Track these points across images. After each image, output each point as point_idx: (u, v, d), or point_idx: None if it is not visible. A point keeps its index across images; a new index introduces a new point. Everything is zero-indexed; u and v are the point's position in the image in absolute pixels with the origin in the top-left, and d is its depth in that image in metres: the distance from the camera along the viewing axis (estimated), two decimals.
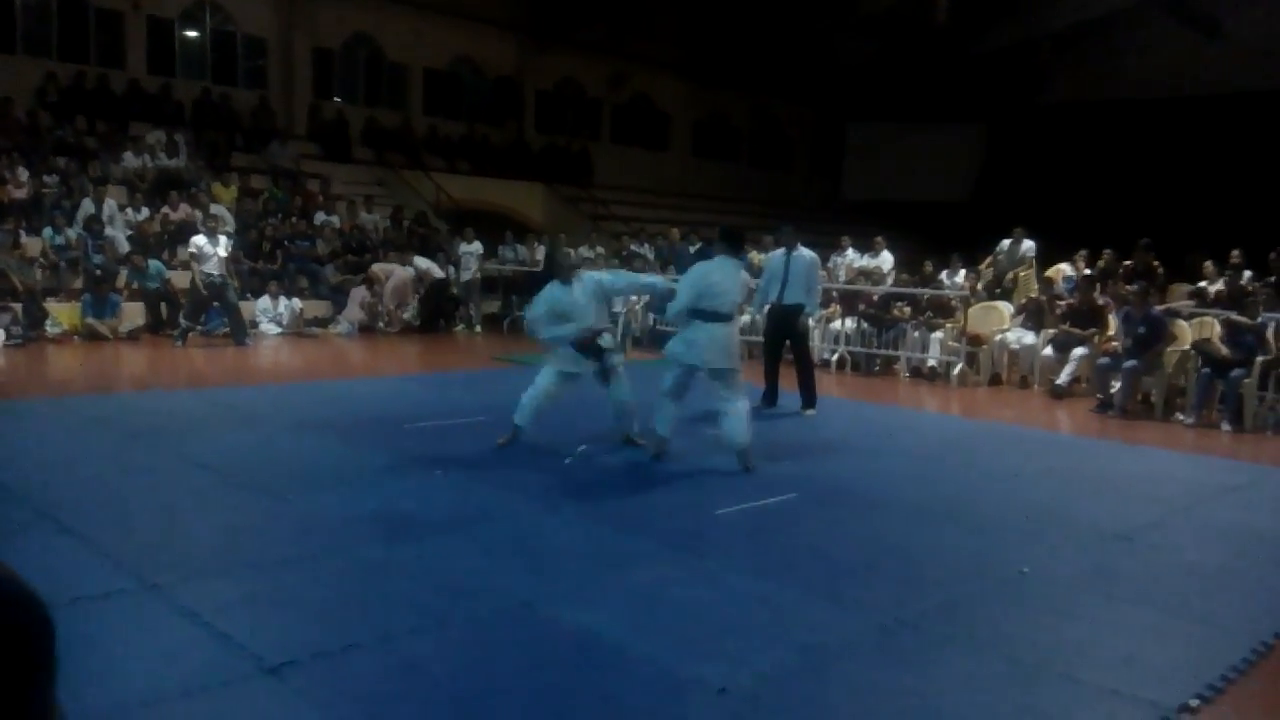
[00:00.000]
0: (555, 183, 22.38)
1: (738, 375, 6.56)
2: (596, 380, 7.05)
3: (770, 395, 9.14)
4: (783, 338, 9.23)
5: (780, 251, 9.18)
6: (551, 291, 6.99)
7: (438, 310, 15.49)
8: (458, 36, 22.24)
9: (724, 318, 6.47)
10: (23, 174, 14.18)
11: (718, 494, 5.76)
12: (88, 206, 13.80)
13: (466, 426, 7.56)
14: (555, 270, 7.21)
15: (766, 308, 9.43)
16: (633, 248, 16.94)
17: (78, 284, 13.02)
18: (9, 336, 11.34)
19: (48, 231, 13.27)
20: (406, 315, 14.94)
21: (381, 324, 14.72)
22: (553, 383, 6.93)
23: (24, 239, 13.07)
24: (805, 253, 9.10)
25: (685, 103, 27.11)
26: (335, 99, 20.83)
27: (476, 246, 16.29)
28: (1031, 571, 4.59)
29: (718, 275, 6.52)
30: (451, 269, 16.30)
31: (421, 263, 15.31)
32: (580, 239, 18.07)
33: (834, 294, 13.38)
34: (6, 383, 9.49)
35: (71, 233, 13.46)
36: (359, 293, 14.78)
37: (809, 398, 8.96)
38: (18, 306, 11.83)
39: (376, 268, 14.97)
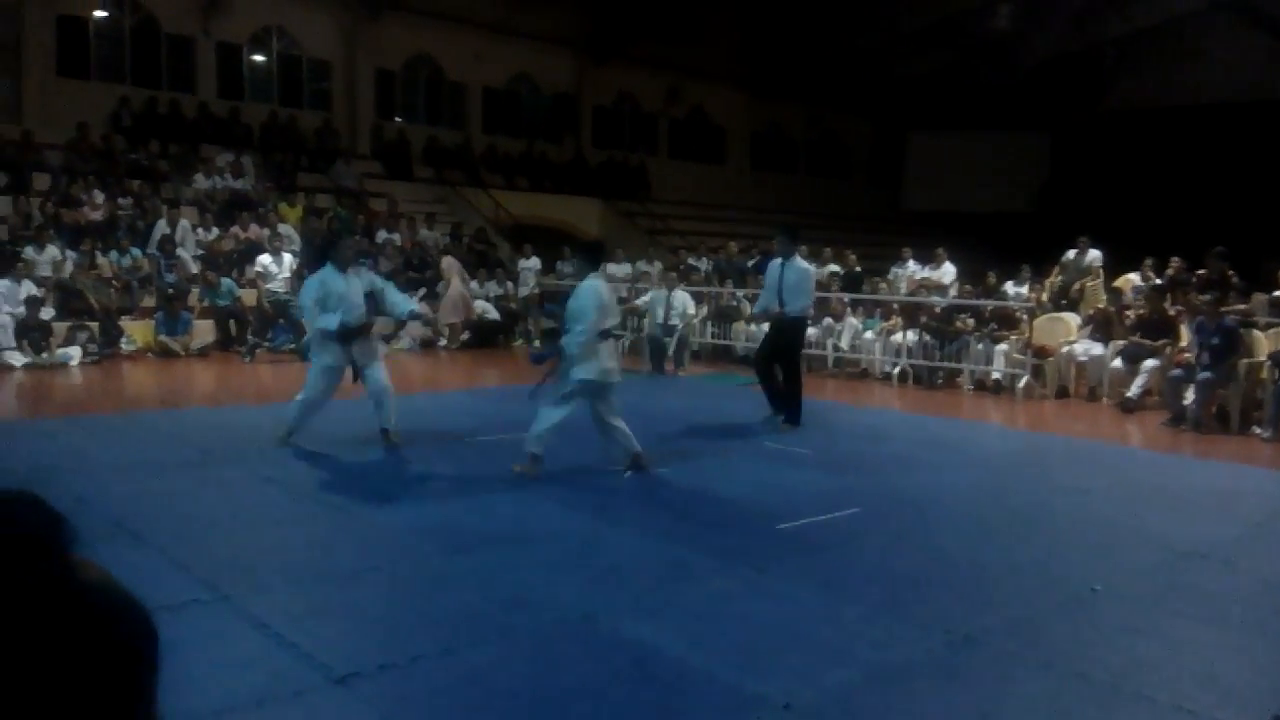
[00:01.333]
0: (613, 198, 22.50)
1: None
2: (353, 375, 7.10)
3: (775, 404, 8.67)
4: (775, 347, 8.87)
5: (777, 261, 8.88)
6: (325, 275, 7.01)
7: (488, 337, 15.58)
8: (516, 54, 22.52)
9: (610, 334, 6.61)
10: (98, 197, 14.66)
11: (779, 509, 5.71)
12: (161, 227, 14.21)
13: (524, 441, 7.60)
14: (334, 254, 7.17)
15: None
16: (690, 261, 16.94)
17: (150, 303, 13.40)
18: (86, 354, 11.71)
19: (113, 254, 13.69)
20: (464, 336, 15.09)
21: (442, 339, 14.90)
22: (320, 381, 6.98)
23: (99, 259, 13.50)
24: (799, 263, 8.76)
25: (742, 115, 27.10)
26: (397, 119, 21.21)
27: (535, 262, 16.43)
28: (1103, 589, 4.48)
29: (608, 294, 6.64)
30: (510, 285, 16.47)
31: (479, 305, 15.47)
32: (638, 253, 18.13)
33: (895, 306, 13.24)
34: (84, 398, 9.81)
35: (138, 252, 13.86)
36: (421, 309, 14.97)
37: (794, 414, 8.52)
38: (94, 325, 12.22)
39: (447, 261, 15.13)
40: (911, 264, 15.00)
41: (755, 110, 27.10)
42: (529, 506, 5.70)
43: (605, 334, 6.49)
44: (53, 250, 13.07)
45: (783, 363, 8.79)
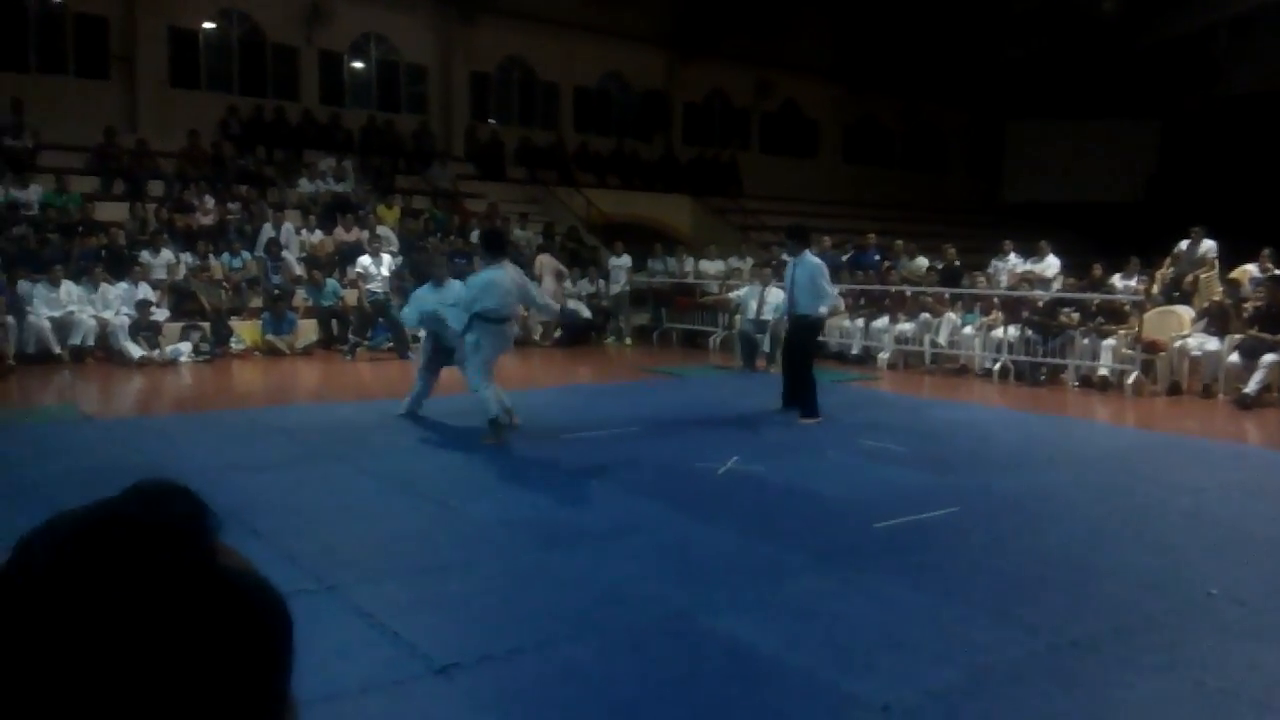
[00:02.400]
0: (704, 194, 22.45)
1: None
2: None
3: (787, 397, 8.86)
4: (790, 345, 9.10)
5: (791, 262, 8.96)
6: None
7: (581, 335, 15.70)
8: (606, 53, 22.65)
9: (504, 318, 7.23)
10: (209, 202, 15.28)
11: (875, 507, 5.62)
12: (267, 230, 14.74)
13: (618, 437, 7.66)
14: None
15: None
16: (784, 257, 16.78)
17: (258, 303, 13.91)
18: (198, 353, 12.22)
19: (224, 256, 14.24)
20: (557, 334, 15.24)
21: (536, 337, 15.08)
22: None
23: (211, 262, 14.07)
24: (809, 259, 8.75)
25: (834, 108, 26.73)
26: (490, 120, 21.56)
27: (626, 260, 16.51)
28: (1220, 593, 4.28)
29: (505, 282, 7.20)
30: (602, 282, 16.58)
31: (571, 304, 15.62)
32: (730, 250, 18.05)
33: (995, 300, 12.89)
34: (197, 395, 10.23)
35: (247, 255, 14.40)
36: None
37: (809, 408, 8.52)
38: (206, 325, 12.74)
39: (542, 259, 15.30)
40: (1013, 257, 14.57)
41: (848, 103, 26.70)
42: (624, 502, 5.73)
43: (501, 318, 7.21)
44: (167, 254, 13.68)
45: (795, 360, 8.91)
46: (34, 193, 14.04)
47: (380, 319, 13.47)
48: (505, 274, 7.25)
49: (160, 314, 12.45)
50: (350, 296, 14.13)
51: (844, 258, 15.93)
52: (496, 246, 7.53)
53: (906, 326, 13.26)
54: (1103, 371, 11.27)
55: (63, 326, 12.07)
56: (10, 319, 11.47)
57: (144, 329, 12.09)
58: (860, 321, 13.82)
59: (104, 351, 12.18)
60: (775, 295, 13.11)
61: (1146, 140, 25.87)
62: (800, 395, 8.61)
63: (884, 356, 13.24)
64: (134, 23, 17.31)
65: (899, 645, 3.68)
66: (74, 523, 0.58)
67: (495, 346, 7.34)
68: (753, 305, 12.97)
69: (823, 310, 8.97)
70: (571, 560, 4.65)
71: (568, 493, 5.93)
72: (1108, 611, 4.09)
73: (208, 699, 0.55)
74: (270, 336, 13.13)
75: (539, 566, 4.59)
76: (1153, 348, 10.99)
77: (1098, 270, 13.05)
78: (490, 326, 7.20)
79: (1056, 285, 13.23)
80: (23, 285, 12.05)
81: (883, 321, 13.53)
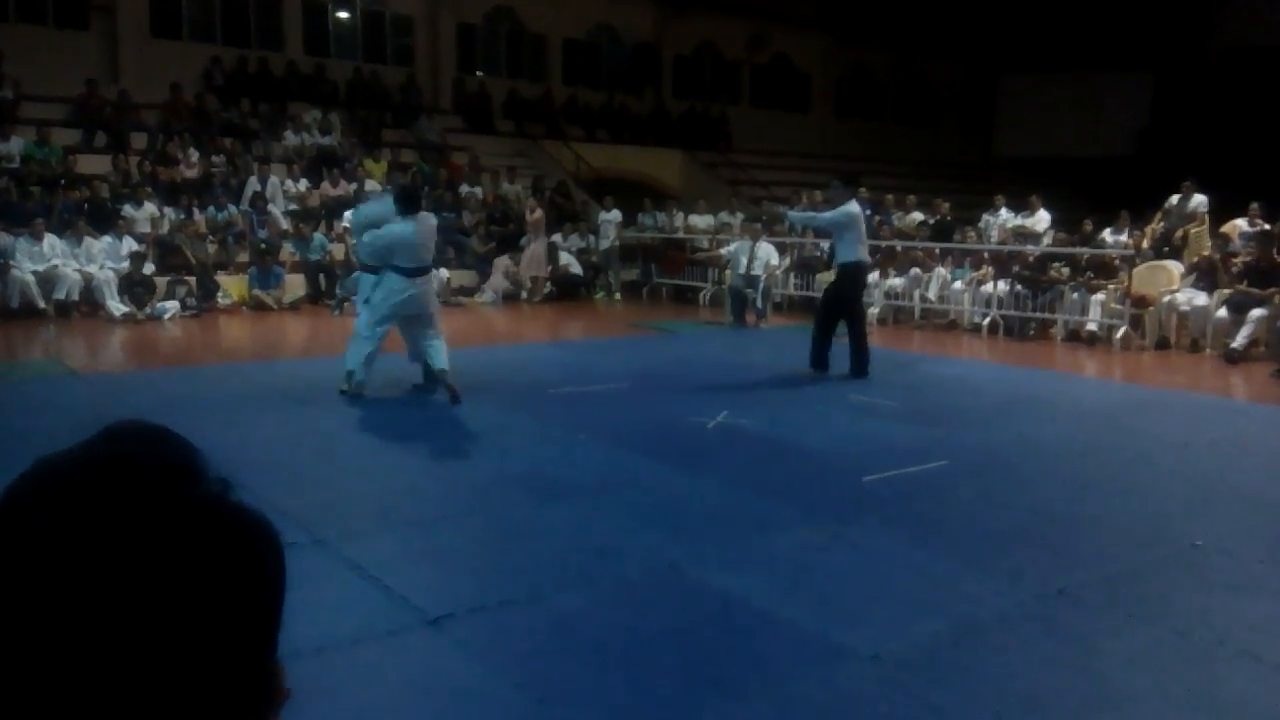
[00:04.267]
0: (694, 149, 22.25)
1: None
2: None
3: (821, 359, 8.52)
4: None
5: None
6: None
7: (570, 290, 15.63)
8: (596, 5, 22.30)
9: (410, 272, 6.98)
10: (193, 155, 15.07)
11: (864, 461, 5.64)
12: (252, 184, 14.56)
13: (608, 392, 7.65)
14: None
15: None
16: (780, 208, 16.69)
17: (244, 258, 13.78)
18: (185, 308, 12.13)
19: (210, 210, 14.07)
20: (546, 290, 15.17)
21: (524, 293, 15.02)
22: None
23: (196, 216, 13.90)
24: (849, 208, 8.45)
25: (826, 61, 26.43)
26: (478, 72, 21.25)
27: (615, 214, 16.40)
28: (1205, 544, 4.32)
29: (414, 237, 6.97)
30: (591, 238, 16.48)
31: (564, 257, 15.53)
32: (720, 205, 17.94)
33: (985, 255, 12.87)
34: (184, 350, 10.17)
35: (233, 208, 14.24)
36: (503, 262, 15.13)
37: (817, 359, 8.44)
38: (192, 280, 12.63)
39: (533, 219, 15.24)
40: (1004, 212, 14.53)
41: (840, 56, 26.40)
42: (613, 457, 5.74)
43: (407, 271, 6.98)
44: (150, 207, 13.51)
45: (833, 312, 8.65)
46: (15, 145, 13.82)
47: None
48: (415, 228, 7.03)
49: (147, 268, 12.32)
50: (337, 251, 14.01)
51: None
52: (411, 201, 7.29)
53: (896, 281, 13.24)
54: (1091, 326, 11.30)
55: (47, 281, 11.94)
56: None
57: (136, 284, 11.98)
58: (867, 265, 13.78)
59: (88, 306, 12.08)
60: (765, 250, 13.07)
61: (1139, 94, 25.68)
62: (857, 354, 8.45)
63: (873, 311, 13.20)
64: None
65: (887, 597, 3.71)
66: (62, 468, 0.57)
67: (389, 302, 7.03)
68: (743, 260, 12.92)
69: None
70: (561, 514, 4.66)
71: (557, 447, 5.93)
72: (1094, 563, 4.13)
73: (208, 630, 0.55)
74: (257, 291, 13.03)
75: (529, 520, 4.59)
76: (1141, 302, 11.02)
77: (1088, 225, 13.03)
78: (394, 278, 6.99)
79: (1047, 240, 13.21)
80: (4, 239, 11.90)
81: (873, 276, 13.49)
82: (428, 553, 4.15)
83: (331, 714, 2.66)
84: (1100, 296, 11.23)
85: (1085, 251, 12.02)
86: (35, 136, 14.12)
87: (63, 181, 13.53)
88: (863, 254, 8.57)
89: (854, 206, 8.44)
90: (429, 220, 7.30)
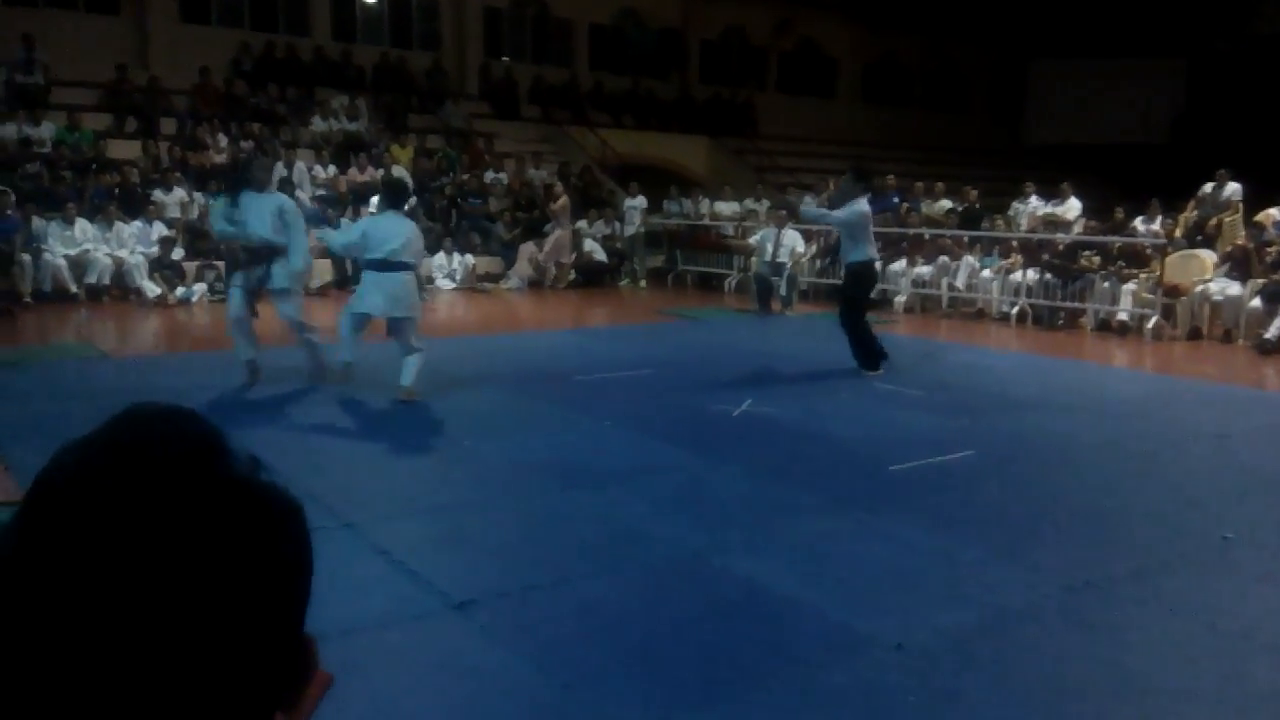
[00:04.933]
0: (720, 135, 22.15)
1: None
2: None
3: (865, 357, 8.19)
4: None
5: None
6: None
7: (595, 277, 15.62)
8: None
9: (392, 267, 6.67)
10: (222, 140, 15.17)
11: (890, 450, 5.61)
12: (280, 170, 14.63)
13: (633, 379, 7.65)
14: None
15: None
16: (808, 198, 16.60)
17: None
18: (212, 293, 12.23)
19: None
20: (571, 276, 15.18)
21: (548, 281, 15.03)
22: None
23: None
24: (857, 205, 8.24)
25: (854, 47, 26.20)
26: (504, 58, 21.24)
27: (641, 201, 16.36)
28: (1236, 537, 4.27)
29: (372, 230, 6.79)
30: (617, 224, 16.46)
31: (588, 244, 15.52)
32: (745, 191, 17.86)
33: (1014, 243, 12.74)
34: (213, 334, 10.25)
35: None
36: (528, 249, 15.15)
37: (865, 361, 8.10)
38: (220, 265, 12.71)
39: (557, 206, 15.24)
40: (1034, 199, 14.37)
41: (868, 41, 26.16)
42: (638, 444, 5.74)
43: (369, 264, 6.78)
44: (180, 192, 13.62)
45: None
46: (46, 130, 13.96)
47: None
48: (387, 222, 6.90)
49: (176, 253, 12.43)
50: None
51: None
52: (396, 195, 7.25)
53: (924, 270, 13.14)
54: (1122, 316, 11.16)
55: (78, 265, 12.08)
56: (26, 257, 11.48)
57: (166, 266, 12.10)
58: (877, 264, 13.68)
59: (119, 290, 12.21)
60: (791, 238, 13.01)
61: (1173, 80, 25.30)
62: (861, 350, 8.14)
63: (901, 300, 13.14)
64: None
65: (913, 586, 3.69)
66: (91, 453, 0.57)
67: (362, 298, 6.89)
68: (768, 248, 12.86)
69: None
70: (586, 500, 4.67)
71: (582, 434, 5.94)
72: (1123, 554, 4.09)
73: (244, 604, 0.56)
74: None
75: (554, 506, 4.61)
76: (1174, 292, 10.88)
77: (1119, 213, 12.87)
78: (372, 274, 6.83)
79: (1077, 228, 13.06)
80: (37, 223, 12.04)
81: (900, 264, 13.41)
82: (453, 538, 4.17)
83: (359, 695, 2.68)
84: (1131, 286, 11.10)
85: (1117, 240, 11.87)
86: (66, 122, 14.26)
87: (94, 166, 13.67)
88: (871, 253, 8.40)
89: (864, 205, 8.24)
90: (404, 219, 7.02)
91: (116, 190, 13.28)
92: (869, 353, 8.07)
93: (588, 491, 4.80)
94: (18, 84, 14.61)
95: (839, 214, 8.35)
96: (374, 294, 6.72)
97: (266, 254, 7.10)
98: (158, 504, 0.54)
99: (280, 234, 7.07)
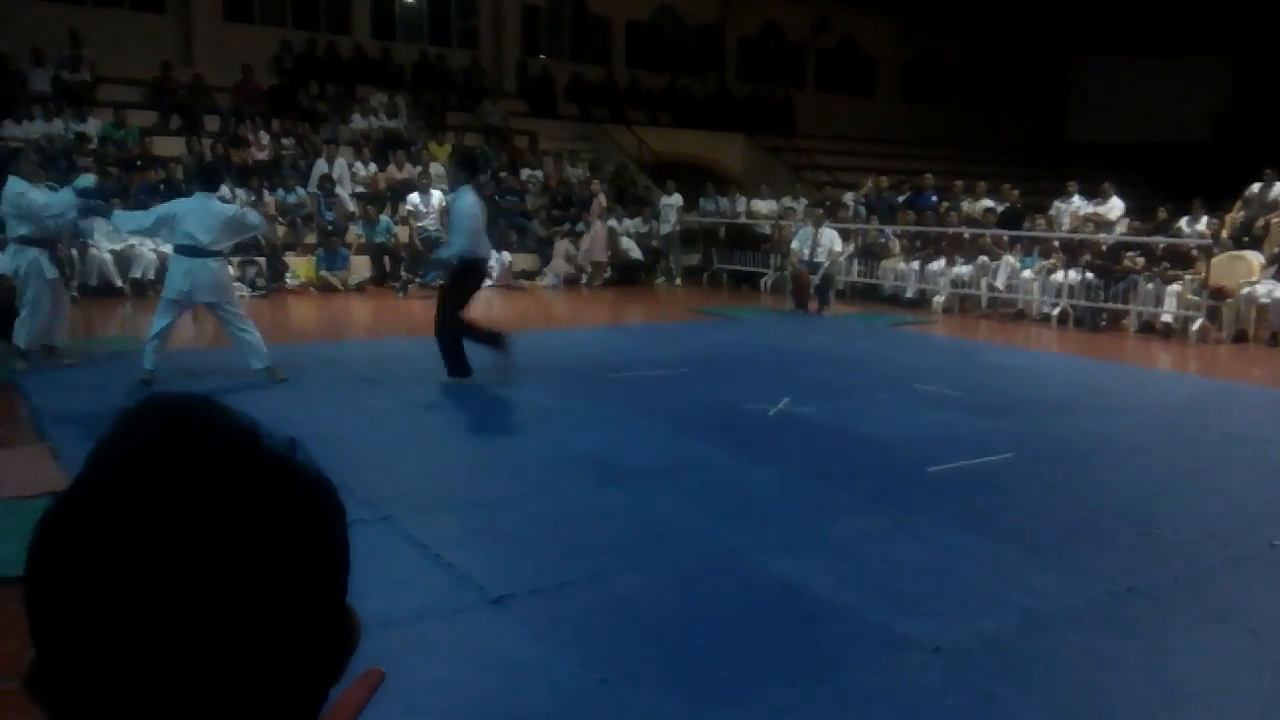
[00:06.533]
0: (757, 133, 22.07)
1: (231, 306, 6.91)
2: None
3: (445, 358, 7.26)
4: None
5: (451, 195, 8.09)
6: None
7: (631, 275, 15.64)
8: None
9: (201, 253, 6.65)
10: (264, 137, 15.35)
11: (928, 451, 5.56)
12: (320, 167, 14.79)
13: (668, 377, 7.65)
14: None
15: None
16: (845, 199, 16.51)
17: (312, 239, 14.02)
18: (254, 288, 12.39)
19: (279, 191, 14.34)
20: (607, 274, 15.20)
21: (584, 279, 15.06)
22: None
23: (266, 197, 14.18)
24: (465, 197, 7.26)
25: (893, 44, 25.99)
26: (541, 55, 21.30)
27: (677, 199, 16.34)
28: None
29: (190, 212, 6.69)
30: (653, 222, 16.46)
31: (624, 242, 15.53)
32: (782, 190, 17.78)
33: (1055, 244, 12.58)
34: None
35: (301, 190, 14.50)
36: (564, 246, 15.19)
37: (459, 365, 7.16)
38: (262, 260, 12.89)
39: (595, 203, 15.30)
40: (1076, 199, 14.18)
41: (908, 38, 25.93)
42: (674, 441, 5.73)
43: (189, 252, 6.72)
44: (222, 189, 13.79)
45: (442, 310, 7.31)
46: (93, 126, 14.21)
47: (432, 255, 13.55)
48: (197, 205, 6.84)
49: None
50: (402, 233, 14.19)
51: (900, 198, 15.64)
52: (208, 177, 7.27)
53: (963, 269, 13.01)
54: (1166, 318, 10.99)
55: (124, 260, 12.29)
56: (73, 252, 11.69)
57: None
58: (915, 264, 13.58)
59: (163, 285, 12.38)
60: (829, 236, 12.93)
61: (1218, 78, 24.83)
62: (451, 355, 7.17)
63: (939, 300, 13.03)
64: None
65: (951, 588, 3.66)
66: (130, 446, 0.57)
67: (172, 283, 6.86)
68: (805, 247, 12.80)
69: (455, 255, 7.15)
70: (621, 497, 4.68)
71: (617, 431, 5.95)
72: (1166, 560, 4.03)
73: (293, 581, 0.57)
74: (324, 272, 13.26)
75: (589, 502, 4.62)
76: (1220, 294, 10.69)
77: (1163, 213, 12.67)
78: (180, 260, 6.86)
79: (1120, 228, 12.88)
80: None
81: (939, 264, 13.29)
82: (489, 532, 4.19)
83: (397, 688, 2.71)
84: (1176, 287, 10.92)
85: (1161, 240, 11.69)
86: (112, 118, 14.50)
87: (139, 163, 13.88)
88: (476, 248, 7.15)
89: (470, 195, 7.18)
90: (215, 202, 6.97)
91: (161, 186, 13.48)
92: (460, 359, 7.19)
93: (623, 488, 4.81)
94: (64, 81, 14.88)
95: (457, 222, 7.28)
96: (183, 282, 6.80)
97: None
98: (206, 491, 0.55)
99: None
